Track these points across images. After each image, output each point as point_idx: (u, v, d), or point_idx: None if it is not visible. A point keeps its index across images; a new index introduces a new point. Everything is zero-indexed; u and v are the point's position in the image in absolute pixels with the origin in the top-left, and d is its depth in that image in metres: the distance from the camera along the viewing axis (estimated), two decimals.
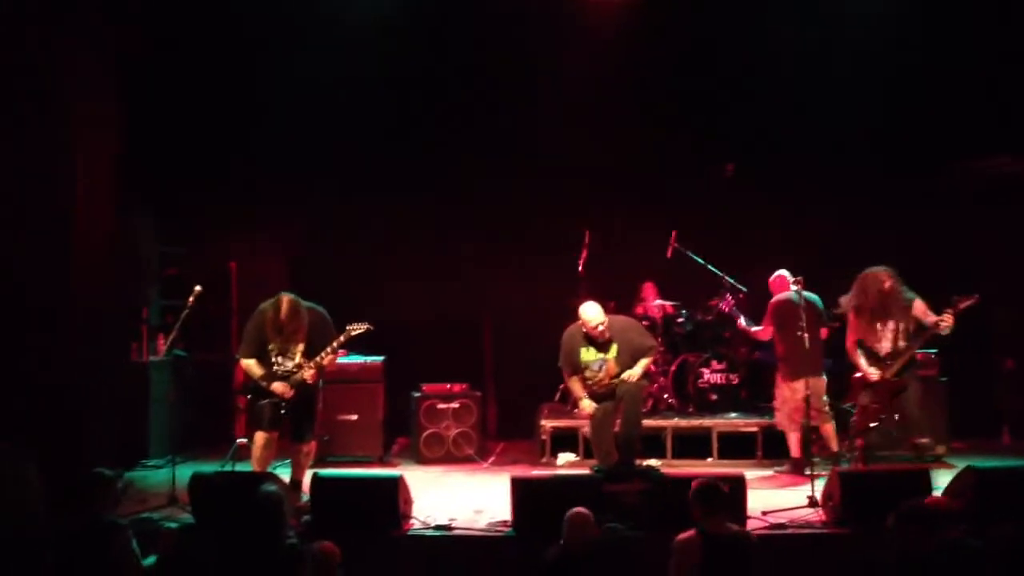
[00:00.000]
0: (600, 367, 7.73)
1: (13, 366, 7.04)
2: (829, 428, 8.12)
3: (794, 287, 7.80)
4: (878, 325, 7.71)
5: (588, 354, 7.75)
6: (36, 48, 7.30)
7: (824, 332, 8.23)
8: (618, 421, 7.85)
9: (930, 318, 7.58)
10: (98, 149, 7.51)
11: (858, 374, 7.80)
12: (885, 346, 7.71)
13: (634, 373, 7.70)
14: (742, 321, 8.99)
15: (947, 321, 7.47)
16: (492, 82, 9.96)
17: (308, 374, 7.17)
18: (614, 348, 7.72)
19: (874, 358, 7.75)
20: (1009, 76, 9.35)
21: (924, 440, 7.75)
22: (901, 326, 7.68)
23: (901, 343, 7.69)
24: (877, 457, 7.76)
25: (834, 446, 8.11)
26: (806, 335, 7.50)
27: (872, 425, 7.64)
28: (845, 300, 7.91)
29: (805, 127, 9.83)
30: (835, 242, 9.62)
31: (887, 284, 7.64)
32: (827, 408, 8.10)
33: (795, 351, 7.93)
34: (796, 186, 9.91)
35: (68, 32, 7.46)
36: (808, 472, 7.24)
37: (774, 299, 8.34)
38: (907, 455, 7.82)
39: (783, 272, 8.37)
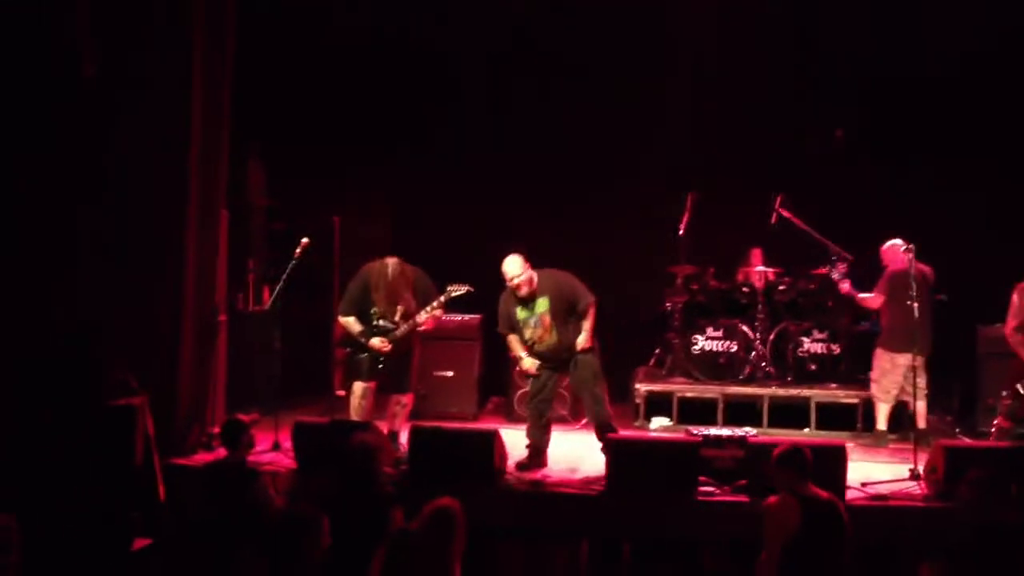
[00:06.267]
0: (535, 323, 7.27)
1: (129, 314, 7.24)
2: (921, 405, 7.87)
3: (909, 256, 7.51)
4: None
5: (521, 312, 7.27)
6: None
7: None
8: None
9: None
10: (214, 96, 7.55)
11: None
12: None
13: (580, 341, 7.19)
14: (847, 286, 8.53)
15: None
16: (597, 38, 9.90)
17: (402, 330, 7.31)
18: (544, 301, 7.20)
19: None
20: None
21: None
22: None
23: None
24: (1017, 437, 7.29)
25: (922, 423, 7.88)
26: (915, 305, 7.28)
27: None
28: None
29: (917, 94, 9.57)
30: (945, 214, 9.33)
31: None
32: (924, 385, 7.86)
33: (902, 323, 7.71)
34: (907, 155, 9.64)
35: None
36: (886, 446, 7.32)
37: (890, 268, 8.11)
38: None
39: (897, 241, 8.12)
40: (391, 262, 7.34)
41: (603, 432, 7.15)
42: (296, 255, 7.57)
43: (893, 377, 8.00)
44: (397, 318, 7.36)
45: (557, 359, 7.34)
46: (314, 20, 9.41)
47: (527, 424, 7.45)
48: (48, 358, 6.69)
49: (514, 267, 7.18)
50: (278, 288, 7.67)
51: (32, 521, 5.90)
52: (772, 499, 5.17)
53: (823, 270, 9.00)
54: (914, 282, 7.31)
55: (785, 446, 5.35)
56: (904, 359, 7.85)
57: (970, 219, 9.35)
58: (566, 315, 7.26)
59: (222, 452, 6.21)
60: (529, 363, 7.31)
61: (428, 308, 7.30)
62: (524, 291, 7.18)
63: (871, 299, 8.25)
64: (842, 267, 8.75)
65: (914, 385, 7.51)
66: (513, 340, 7.39)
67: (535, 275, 7.23)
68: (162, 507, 6.54)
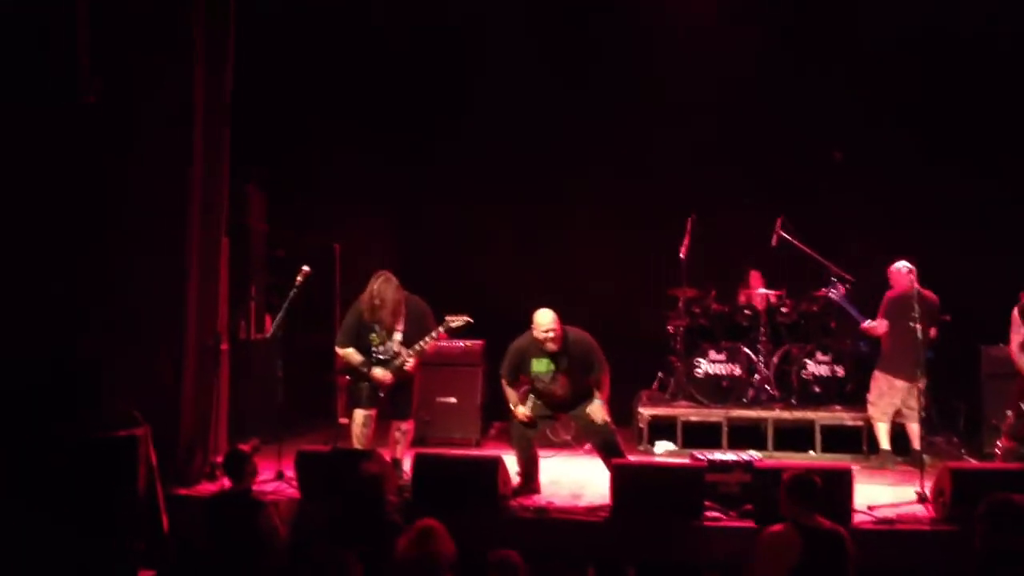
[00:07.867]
0: (552, 379, 7.21)
1: (131, 343, 7.22)
2: (915, 427, 7.83)
3: (911, 279, 7.56)
4: None
5: (539, 365, 7.19)
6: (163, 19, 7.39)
7: (933, 331, 7.95)
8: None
9: None
10: (215, 123, 7.56)
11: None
12: None
13: (596, 412, 7.13)
14: (855, 313, 8.38)
15: None
16: (604, 65, 9.99)
17: (410, 363, 7.24)
18: (565, 360, 7.15)
19: None
20: None
21: None
22: None
23: None
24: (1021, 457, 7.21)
25: (916, 444, 7.82)
26: (918, 327, 7.25)
27: None
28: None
29: (916, 115, 9.59)
30: (946, 233, 9.33)
31: None
32: (919, 407, 7.72)
33: (901, 347, 7.74)
34: (905, 175, 9.66)
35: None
36: (894, 468, 7.33)
37: (892, 292, 8.04)
38: None
39: (903, 263, 8.03)
40: (379, 275, 7.24)
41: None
42: (297, 283, 7.53)
43: (890, 399, 8.00)
44: (394, 345, 7.31)
45: (558, 406, 7.36)
46: (312, 46, 9.44)
47: (516, 452, 7.39)
48: (50, 388, 6.66)
49: (549, 320, 7.09)
50: (280, 316, 7.63)
51: (35, 554, 5.88)
52: (773, 528, 4.99)
53: (823, 292, 8.98)
54: (917, 305, 7.28)
55: (795, 472, 5.18)
56: (902, 382, 7.88)
57: (972, 239, 9.35)
58: (581, 375, 7.24)
59: (225, 482, 6.18)
60: (523, 411, 7.32)
61: (423, 341, 7.24)
62: (553, 346, 7.11)
63: (877, 327, 8.12)
64: (841, 288, 8.70)
65: (919, 407, 7.55)
66: (510, 390, 7.38)
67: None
68: (166, 538, 6.50)
